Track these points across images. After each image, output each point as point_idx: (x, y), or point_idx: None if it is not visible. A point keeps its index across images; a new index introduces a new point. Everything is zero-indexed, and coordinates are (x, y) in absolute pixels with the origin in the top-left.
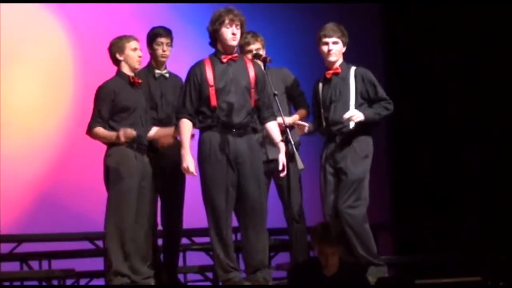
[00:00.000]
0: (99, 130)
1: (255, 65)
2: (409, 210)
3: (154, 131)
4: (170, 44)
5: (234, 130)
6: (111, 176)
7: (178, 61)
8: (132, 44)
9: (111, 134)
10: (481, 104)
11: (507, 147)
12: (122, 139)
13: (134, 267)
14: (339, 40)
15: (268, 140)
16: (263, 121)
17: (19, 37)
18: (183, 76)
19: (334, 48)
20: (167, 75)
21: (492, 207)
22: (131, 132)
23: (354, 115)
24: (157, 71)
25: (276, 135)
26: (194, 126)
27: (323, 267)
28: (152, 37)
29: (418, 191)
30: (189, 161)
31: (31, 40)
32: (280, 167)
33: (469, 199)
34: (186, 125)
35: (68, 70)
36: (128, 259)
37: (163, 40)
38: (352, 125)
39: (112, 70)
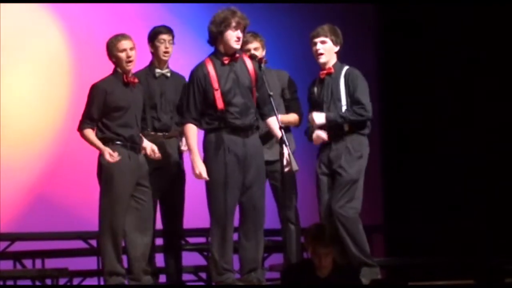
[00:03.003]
0: (88, 132)
1: (252, 61)
2: (402, 212)
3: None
4: (172, 42)
5: (242, 132)
6: (103, 174)
7: (177, 61)
8: (121, 45)
9: (99, 144)
10: (476, 105)
11: (501, 149)
12: (107, 158)
13: (134, 273)
14: (327, 39)
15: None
16: (264, 117)
17: (16, 38)
18: (184, 74)
19: (322, 48)
20: (168, 74)
21: (485, 210)
22: (117, 157)
23: (315, 120)
24: (157, 70)
25: (277, 131)
26: (200, 127)
27: (316, 268)
28: (154, 35)
29: (410, 193)
30: (201, 167)
31: (28, 41)
32: (285, 162)
33: (461, 202)
34: (192, 130)
35: (64, 71)
36: (130, 265)
37: (165, 37)
38: (346, 127)
39: (108, 70)
